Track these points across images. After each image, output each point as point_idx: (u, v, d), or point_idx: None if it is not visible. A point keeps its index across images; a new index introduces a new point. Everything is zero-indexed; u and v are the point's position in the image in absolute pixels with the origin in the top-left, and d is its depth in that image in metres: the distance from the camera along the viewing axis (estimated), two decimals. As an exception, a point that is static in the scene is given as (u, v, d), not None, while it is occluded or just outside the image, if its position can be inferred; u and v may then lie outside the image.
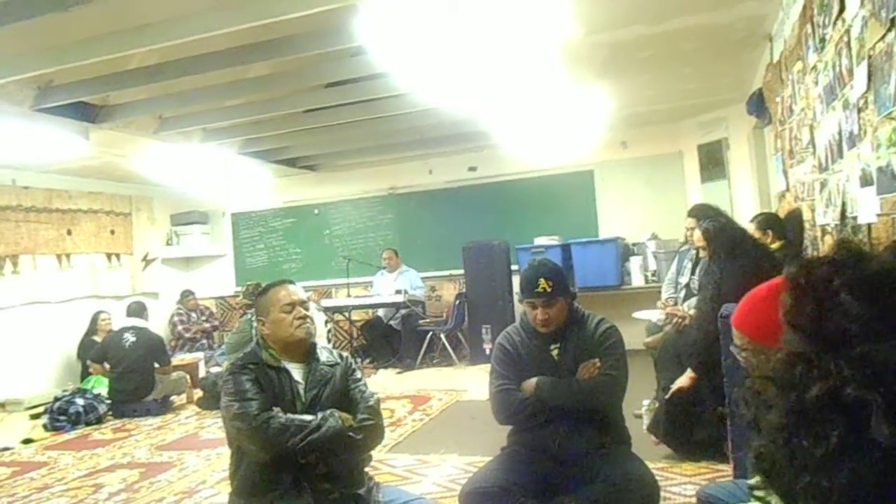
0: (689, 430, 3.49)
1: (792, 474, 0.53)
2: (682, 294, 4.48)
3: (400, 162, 8.21)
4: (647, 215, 7.29)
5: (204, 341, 8.12)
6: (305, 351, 2.39)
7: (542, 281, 2.48)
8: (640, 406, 3.82)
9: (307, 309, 2.45)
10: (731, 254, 3.41)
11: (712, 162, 6.85)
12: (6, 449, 4.81)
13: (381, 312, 7.79)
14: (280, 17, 3.57)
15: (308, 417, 2.18)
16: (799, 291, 0.58)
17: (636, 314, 4.64)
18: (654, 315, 4.41)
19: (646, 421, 3.71)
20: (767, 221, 4.07)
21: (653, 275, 6.91)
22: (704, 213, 4.42)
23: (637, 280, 6.98)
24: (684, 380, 3.43)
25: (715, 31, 4.34)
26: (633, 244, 7.21)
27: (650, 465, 2.53)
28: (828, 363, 0.52)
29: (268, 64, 4.89)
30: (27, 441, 5.02)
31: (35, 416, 5.73)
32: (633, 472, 2.43)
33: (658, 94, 5.91)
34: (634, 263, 7.02)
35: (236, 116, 5.88)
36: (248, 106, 5.72)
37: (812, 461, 0.51)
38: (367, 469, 2.39)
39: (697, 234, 3.80)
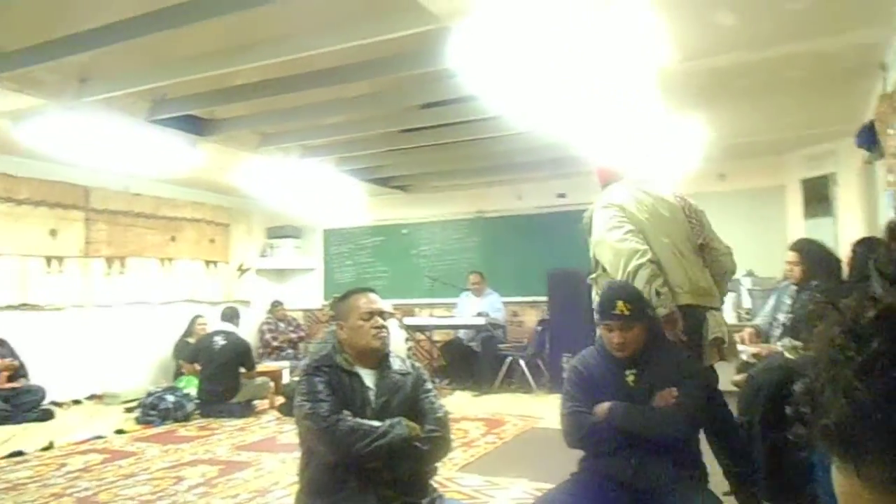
0: (778, 474, 3.27)
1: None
2: (779, 332, 4.26)
3: (489, 186, 8.25)
4: (743, 251, 6.86)
5: (290, 350, 8.36)
6: (379, 358, 2.42)
7: (619, 303, 2.42)
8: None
9: (385, 319, 2.48)
10: (831, 276, 3.27)
11: (817, 197, 6.51)
12: (100, 437, 5.10)
13: (461, 334, 7.80)
14: (378, 37, 3.68)
15: (376, 423, 2.20)
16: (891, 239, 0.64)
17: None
18: (745, 351, 4.20)
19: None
20: None
21: (747, 312, 6.60)
22: (808, 248, 4.20)
23: (729, 317, 6.66)
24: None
25: (823, 59, 4.13)
26: (727, 280, 6.91)
27: (728, 505, 2.40)
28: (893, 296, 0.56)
29: (366, 83, 5.04)
30: (119, 431, 5.31)
31: (129, 410, 6.05)
32: (707, 510, 2.31)
33: (759, 125, 5.69)
34: (727, 299, 6.72)
35: (334, 134, 6.08)
36: (345, 124, 5.90)
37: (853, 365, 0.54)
38: (432, 482, 2.39)
39: (793, 262, 3.70)
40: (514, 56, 3.58)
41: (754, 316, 6.11)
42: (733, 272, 3.24)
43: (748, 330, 4.26)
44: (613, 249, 2.86)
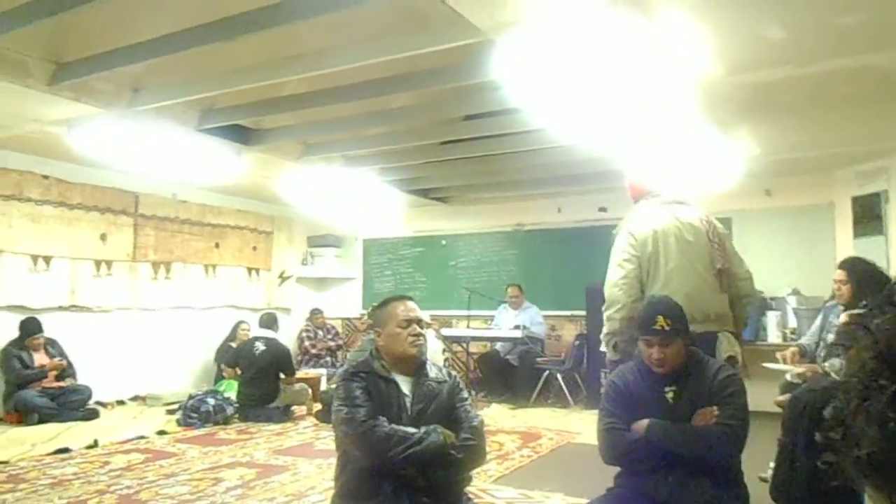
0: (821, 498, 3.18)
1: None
2: (824, 353, 4.15)
3: (529, 199, 8.23)
4: (789, 269, 6.81)
5: (328, 358, 8.45)
6: (415, 366, 2.43)
7: (660, 318, 2.40)
8: (766, 468, 3.54)
9: (423, 327, 2.50)
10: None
11: (868, 216, 6.33)
12: (142, 437, 5.22)
13: (498, 346, 7.77)
14: (421, 50, 3.72)
15: (411, 430, 2.22)
16: None
17: (767, 364, 4.31)
18: (790, 371, 4.09)
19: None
20: None
21: (792, 332, 6.44)
22: (857, 267, 4.09)
23: (773, 336, 6.52)
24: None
25: (873, 74, 4.02)
26: (771, 298, 6.76)
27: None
28: None
29: (408, 95, 5.09)
30: (161, 433, 5.42)
31: (171, 412, 6.17)
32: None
33: (807, 141, 5.56)
34: (771, 318, 6.58)
35: (375, 145, 6.13)
36: (387, 135, 5.96)
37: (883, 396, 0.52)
38: (466, 490, 2.39)
39: (842, 280, 3.63)
40: (558, 69, 3.58)
41: (800, 335, 5.97)
42: (752, 297, 3.40)
43: (791, 349, 4.17)
44: (607, 289, 3.14)
